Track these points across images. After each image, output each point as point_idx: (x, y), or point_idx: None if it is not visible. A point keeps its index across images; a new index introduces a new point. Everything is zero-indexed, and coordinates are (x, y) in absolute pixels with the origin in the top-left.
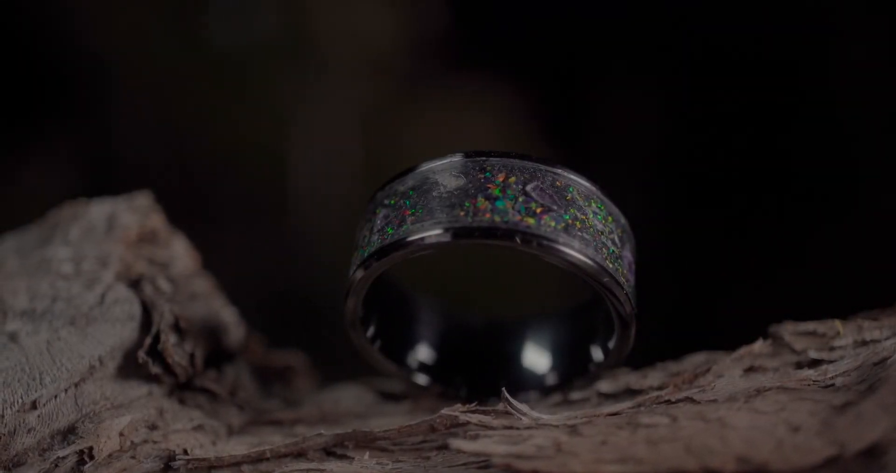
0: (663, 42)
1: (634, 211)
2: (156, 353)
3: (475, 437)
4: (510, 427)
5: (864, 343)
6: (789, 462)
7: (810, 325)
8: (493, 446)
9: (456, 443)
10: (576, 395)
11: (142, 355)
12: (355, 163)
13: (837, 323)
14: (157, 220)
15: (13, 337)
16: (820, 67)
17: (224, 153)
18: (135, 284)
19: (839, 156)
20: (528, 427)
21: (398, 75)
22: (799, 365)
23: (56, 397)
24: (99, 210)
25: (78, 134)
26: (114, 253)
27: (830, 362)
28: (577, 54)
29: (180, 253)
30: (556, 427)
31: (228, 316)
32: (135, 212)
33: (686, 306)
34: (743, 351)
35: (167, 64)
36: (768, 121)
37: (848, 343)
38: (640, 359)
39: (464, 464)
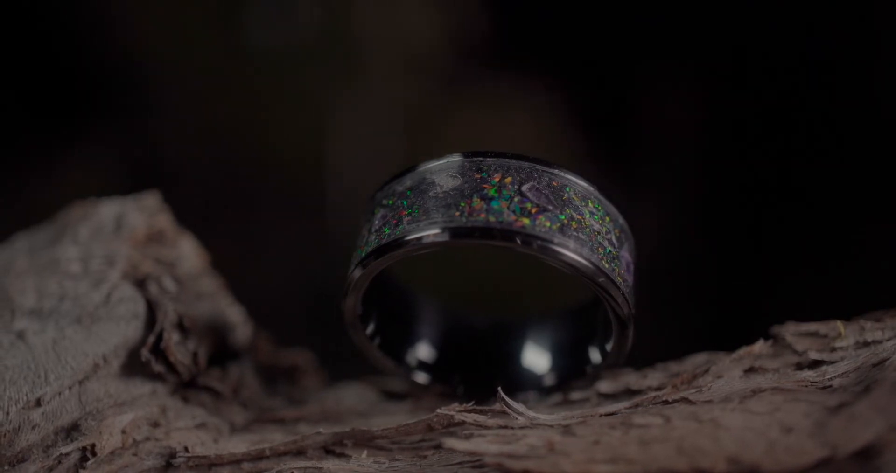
0: (703, 40)
1: (671, 209)
2: (159, 352)
3: (469, 436)
4: (505, 427)
5: (866, 344)
6: (781, 463)
7: (812, 326)
8: (485, 445)
9: (449, 442)
10: (576, 395)
11: (145, 353)
12: (395, 162)
13: (839, 324)
14: (165, 220)
15: (21, 335)
16: (865, 67)
17: (264, 153)
18: (141, 283)
19: (880, 159)
20: (523, 427)
21: (438, 75)
22: (800, 366)
23: (60, 394)
24: (108, 210)
25: (119, 133)
26: (121, 253)
27: (831, 363)
28: (617, 53)
29: (187, 252)
30: (551, 427)
31: (234, 316)
32: (142, 212)
33: (720, 303)
34: (742, 351)
35: (208, 65)
36: (808, 121)
37: (849, 344)
38: (647, 359)
39: (459, 463)
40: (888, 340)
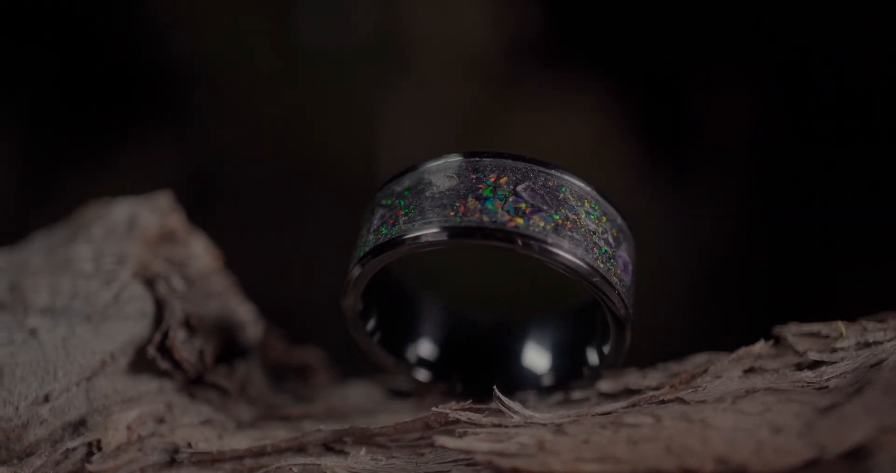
0: (762, 40)
1: (725, 210)
2: (165, 349)
3: (463, 435)
4: (498, 426)
5: (867, 344)
6: (768, 463)
7: (814, 326)
8: (476, 443)
9: (441, 440)
10: (576, 395)
11: (151, 351)
12: None
13: (841, 325)
14: (176, 220)
15: (33, 332)
16: None
17: (317, 154)
18: (150, 283)
19: None
20: (516, 426)
21: (492, 75)
22: (800, 367)
23: (68, 391)
24: (121, 210)
25: (174, 133)
26: (131, 253)
27: (830, 364)
28: (674, 53)
29: (198, 252)
30: (544, 425)
31: (244, 314)
32: (155, 212)
33: (771, 303)
34: (742, 351)
35: (262, 66)
36: (866, 124)
37: (850, 344)
38: (656, 359)
39: (453, 461)
40: (889, 341)
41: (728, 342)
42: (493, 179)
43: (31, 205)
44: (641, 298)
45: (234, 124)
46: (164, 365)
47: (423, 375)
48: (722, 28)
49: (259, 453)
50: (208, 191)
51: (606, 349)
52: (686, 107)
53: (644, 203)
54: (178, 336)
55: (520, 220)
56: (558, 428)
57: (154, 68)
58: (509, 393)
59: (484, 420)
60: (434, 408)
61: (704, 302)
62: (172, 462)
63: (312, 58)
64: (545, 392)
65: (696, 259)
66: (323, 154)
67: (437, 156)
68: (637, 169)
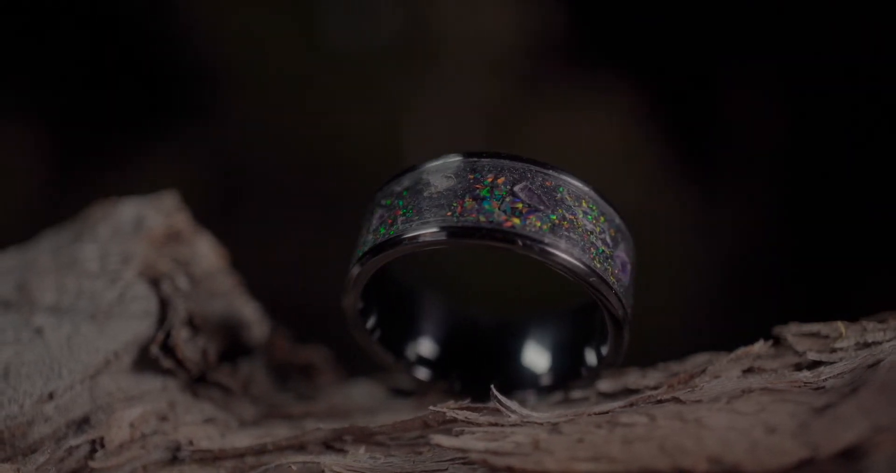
0: (791, 41)
1: (748, 212)
2: (168, 348)
3: (460, 433)
4: (495, 425)
5: (866, 345)
6: (762, 463)
7: (814, 326)
8: (472, 442)
9: (437, 439)
10: (576, 394)
11: (154, 349)
12: None
13: (841, 325)
14: (182, 220)
15: (39, 331)
16: None
17: (342, 155)
18: (155, 282)
19: None
20: (513, 425)
21: (518, 75)
22: (799, 367)
23: (72, 388)
24: (127, 210)
25: (199, 132)
26: (136, 252)
27: (829, 364)
28: (699, 53)
29: (204, 251)
30: (540, 425)
31: (249, 313)
32: (160, 211)
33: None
34: (741, 351)
35: (287, 65)
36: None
37: (850, 345)
38: (651, 359)
39: (450, 460)
40: (888, 341)
41: (736, 343)
42: (490, 179)
43: (52, 203)
44: (652, 298)
45: (258, 124)
46: (167, 363)
47: (422, 373)
48: (750, 29)
49: (260, 451)
50: (230, 190)
51: (605, 349)
52: (713, 109)
53: (667, 203)
54: (181, 335)
55: (516, 220)
56: (554, 428)
57: (180, 68)
58: (508, 392)
59: (481, 418)
60: (432, 407)
61: (716, 302)
62: (174, 459)
63: (338, 58)
64: (544, 391)
65: (715, 259)
66: (348, 154)
67: (437, 156)
68: (662, 170)
